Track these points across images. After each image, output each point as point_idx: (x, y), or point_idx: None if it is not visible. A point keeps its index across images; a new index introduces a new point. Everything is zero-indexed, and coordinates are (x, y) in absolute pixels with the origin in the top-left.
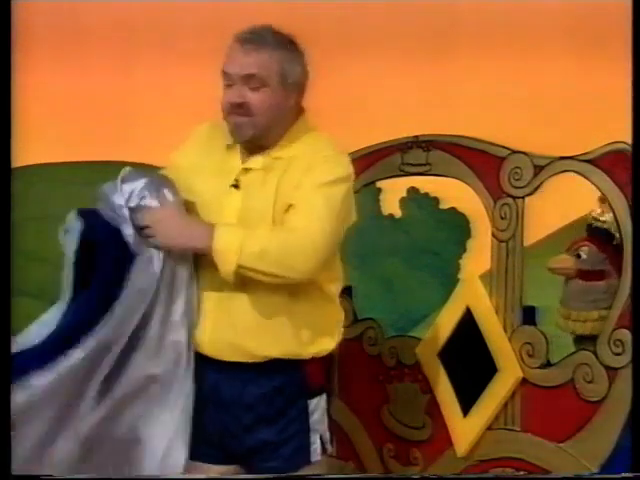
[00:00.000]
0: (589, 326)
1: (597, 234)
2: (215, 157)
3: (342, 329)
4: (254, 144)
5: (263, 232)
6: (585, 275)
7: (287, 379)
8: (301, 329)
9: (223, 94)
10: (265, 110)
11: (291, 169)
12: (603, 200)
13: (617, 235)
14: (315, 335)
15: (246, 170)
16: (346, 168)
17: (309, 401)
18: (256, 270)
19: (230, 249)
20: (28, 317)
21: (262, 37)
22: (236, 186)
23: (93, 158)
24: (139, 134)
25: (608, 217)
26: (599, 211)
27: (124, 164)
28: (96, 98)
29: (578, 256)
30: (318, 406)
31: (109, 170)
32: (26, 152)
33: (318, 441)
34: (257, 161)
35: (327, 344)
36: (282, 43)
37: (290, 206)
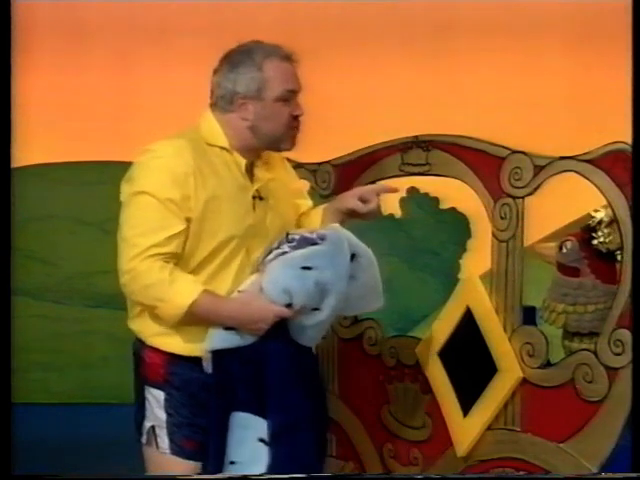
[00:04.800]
0: (553, 317)
1: (586, 231)
2: (217, 176)
3: None
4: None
5: None
6: (562, 268)
7: None
8: None
9: (279, 109)
10: None
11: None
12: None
13: (599, 236)
14: None
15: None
16: None
17: None
18: None
19: None
20: (28, 317)
21: (288, 51)
22: (260, 197)
23: (93, 158)
24: (139, 134)
25: (599, 216)
26: (597, 212)
27: (124, 164)
28: (96, 98)
29: (561, 248)
30: None
31: (109, 170)
32: (26, 152)
33: None
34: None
35: None
36: None
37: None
